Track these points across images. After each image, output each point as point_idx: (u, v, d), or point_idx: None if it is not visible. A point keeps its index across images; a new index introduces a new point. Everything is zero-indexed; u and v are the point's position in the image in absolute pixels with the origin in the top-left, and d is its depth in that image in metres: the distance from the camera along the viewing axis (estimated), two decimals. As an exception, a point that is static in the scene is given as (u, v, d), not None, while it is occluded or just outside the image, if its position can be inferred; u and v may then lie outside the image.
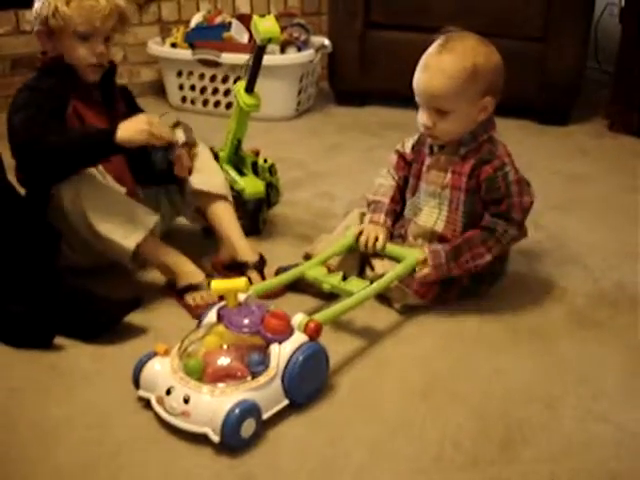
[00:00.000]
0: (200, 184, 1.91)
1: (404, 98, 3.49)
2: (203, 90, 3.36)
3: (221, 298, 1.46)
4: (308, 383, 1.38)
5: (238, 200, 2.06)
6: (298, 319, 1.39)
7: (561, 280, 1.90)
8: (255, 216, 2.13)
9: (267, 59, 3.15)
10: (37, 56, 1.84)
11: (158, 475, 1.24)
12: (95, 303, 1.61)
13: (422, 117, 1.69)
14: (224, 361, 1.35)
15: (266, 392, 1.32)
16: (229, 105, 3.27)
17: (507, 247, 1.75)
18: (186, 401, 1.29)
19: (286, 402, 1.36)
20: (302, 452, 1.29)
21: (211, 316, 1.45)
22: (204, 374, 1.33)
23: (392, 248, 1.77)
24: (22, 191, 1.77)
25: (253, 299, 1.46)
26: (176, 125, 1.89)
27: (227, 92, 3.30)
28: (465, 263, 1.68)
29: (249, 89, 2.10)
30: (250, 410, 1.28)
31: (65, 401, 1.41)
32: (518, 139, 3.08)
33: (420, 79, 1.66)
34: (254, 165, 2.19)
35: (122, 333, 1.61)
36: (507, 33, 3.19)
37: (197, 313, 1.64)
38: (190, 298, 1.74)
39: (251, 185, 2.11)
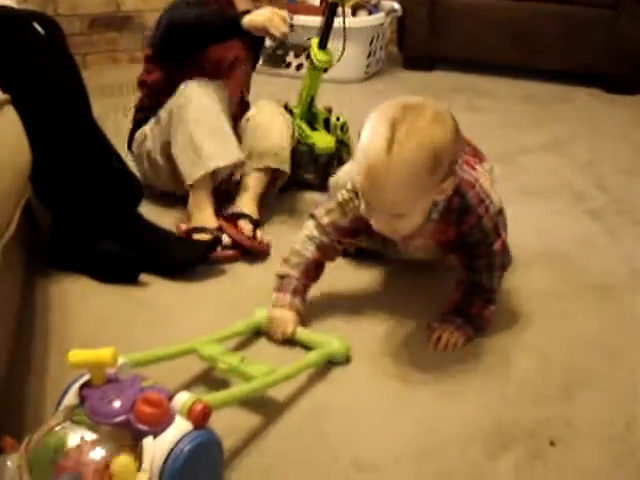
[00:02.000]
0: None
1: (474, 63, 3.55)
2: (275, 52, 3.41)
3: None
4: None
5: (310, 155, 2.13)
6: (181, 400, 1.05)
7: (625, 241, 1.93)
8: (325, 171, 2.19)
9: (338, 21, 3.22)
10: None
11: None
12: (180, 243, 1.72)
13: (378, 223, 1.37)
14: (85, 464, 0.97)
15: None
16: (299, 66, 3.33)
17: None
18: None
19: None
20: (371, 389, 1.36)
21: (72, 395, 1.08)
22: None
23: (304, 334, 1.51)
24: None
25: (127, 369, 1.09)
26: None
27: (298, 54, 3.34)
28: (481, 310, 1.52)
29: (322, 45, 2.16)
30: None
31: (150, 331, 1.49)
32: (586, 106, 3.11)
33: (370, 190, 1.30)
34: (326, 121, 2.26)
35: (202, 272, 1.70)
36: (578, 0, 3.20)
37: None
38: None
39: (322, 140, 2.19)
